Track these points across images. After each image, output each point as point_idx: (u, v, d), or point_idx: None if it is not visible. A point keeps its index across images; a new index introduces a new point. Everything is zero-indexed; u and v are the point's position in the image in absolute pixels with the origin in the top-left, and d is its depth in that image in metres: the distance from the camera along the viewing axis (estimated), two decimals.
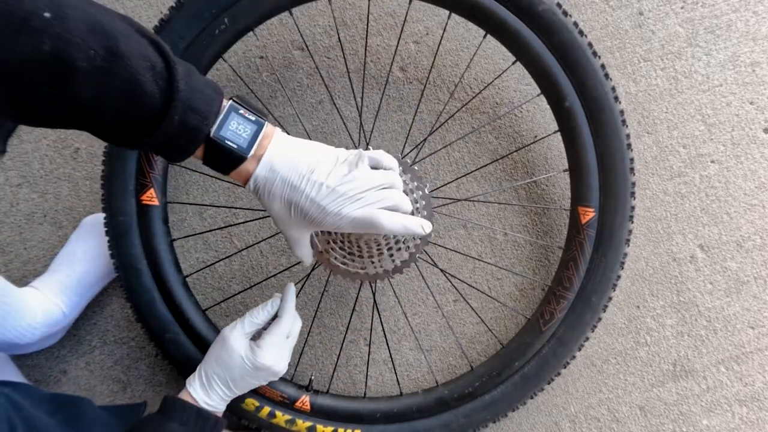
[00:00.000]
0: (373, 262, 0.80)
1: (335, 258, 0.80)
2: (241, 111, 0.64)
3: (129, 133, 0.59)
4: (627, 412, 1.08)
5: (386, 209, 0.67)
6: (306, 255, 0.75)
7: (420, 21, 1.09)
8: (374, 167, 0.70)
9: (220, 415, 0.84)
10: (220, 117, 0.62)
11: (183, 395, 0.82)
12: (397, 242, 0.79)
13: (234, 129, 0.63)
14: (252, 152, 0.64)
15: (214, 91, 0.62)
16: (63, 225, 1.08)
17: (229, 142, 0.62)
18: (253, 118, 0.64)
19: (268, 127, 0.65)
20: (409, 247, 0.81)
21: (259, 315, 0.85)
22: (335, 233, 0.79)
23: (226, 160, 0.64)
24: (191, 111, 0.59)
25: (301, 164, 0.65)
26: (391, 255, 0.80)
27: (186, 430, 0.78)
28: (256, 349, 0.82)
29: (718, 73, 1.09)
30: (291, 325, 0.86)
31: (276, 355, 0.83)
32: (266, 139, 0.65)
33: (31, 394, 0.82)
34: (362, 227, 0.67)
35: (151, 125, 0.58)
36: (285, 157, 0.65)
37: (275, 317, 0.86)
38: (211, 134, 0.62)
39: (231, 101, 0.64)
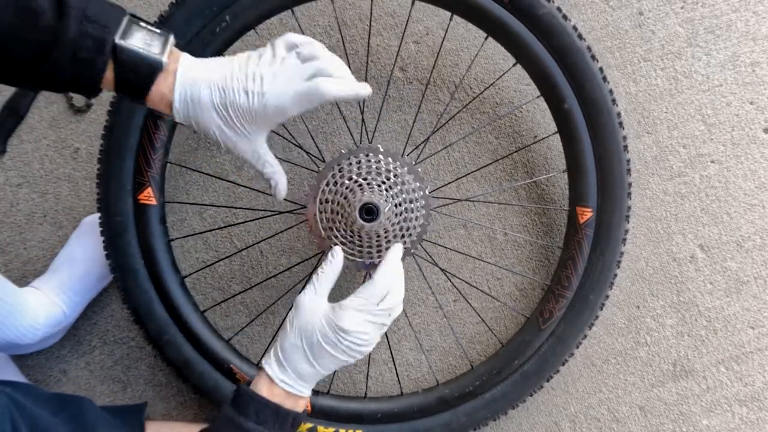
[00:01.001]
0: (370, 253, 0.82)
1: (335, 242, 0.83)
2: (143, 24, 0.61)
3: (24, 63, 0.55)
4: (627, 412, 1.08)
5: (324, 78, 0.64)
6: (274, 169, 0.70)
7: (420, 21, 1.09)
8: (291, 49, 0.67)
9: (304, 403, 0.74)
10: (122, 26, 0.58)
11: (260, 382, 0.72)
12: (395, 236, 0.82)
13: (141, 39, 0.59)
14: (166, 59, 0.60)
15: (111, 5, 0.59)
16: (63, 225, 1.08)
17: (141, 50, 0.58)
18: (158, 31, 0.61)
19: (172, 38, 0.62)
20: (405, 242, 0.83)
21: (325, 270, 0.75)
22: (337, 222, 0.81)
23: (142, 75, 0.59)
24: (88, 20, 0.56)
25: (221, 67, 0.62)
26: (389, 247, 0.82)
27: (264, 430, 0.68)
28: (337, 308, 0.71)
29: (718, 73, 1.09)
30: (386, 289, 0.74)
31: (359, 320, 0.71)
32: (174, 53, 0.62)
33: (32, 393, 0.82)
34: (308, 101, 0.64)
35: (48, 47, 0.54)
36: (202, 65, 0.62)
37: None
38: (117, 41, 0.57)
39: (129, 15, 0.60)
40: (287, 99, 0.63)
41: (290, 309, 0.75)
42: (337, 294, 1.08)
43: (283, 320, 0.75)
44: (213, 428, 0.68)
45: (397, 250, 0.79)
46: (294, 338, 0.71)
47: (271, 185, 0.73)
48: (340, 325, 0.70)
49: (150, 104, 0.62)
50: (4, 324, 0.89)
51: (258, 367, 0.97)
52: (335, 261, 0.76)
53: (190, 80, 0.62)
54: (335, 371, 1.06)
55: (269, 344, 1.06)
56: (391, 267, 0.76)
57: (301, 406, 0.73)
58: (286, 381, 0.71)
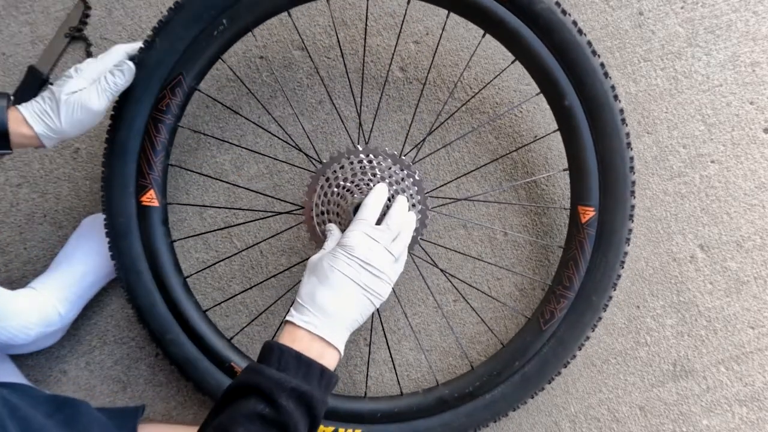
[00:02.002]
0: None
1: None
2: None
3: None
4: (627, 412, 1.08)
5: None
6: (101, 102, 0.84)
7: (420, 21, 1.09)
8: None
9: (333, 354, 0.69)
10: None
11: (283, 332, 0.70)
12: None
13: None
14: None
15: None
16: (63, 225, 1.08)
17: None
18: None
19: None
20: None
21: (330, 236, 0.79)
22: (332, 210, 0.85)
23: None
24: None
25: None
26: None
27: (285, 377, 0.64)
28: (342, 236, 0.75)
29: (718, 73, 1.09)
30: (376, 208, 0.79)
31: (361, 236, 0.73)
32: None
33: (29, 395, 0.82)
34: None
35: None
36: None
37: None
38: None
39: None
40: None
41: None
42: None
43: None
44: (236, 380, 0.66)
45: (382, 188, 0.81)
46: (308, 279, 0.72)
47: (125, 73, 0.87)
48: (344, 242, 0.73)
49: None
50: None
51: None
52: (335, 233, 0.79)
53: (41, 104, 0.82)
54: None
55: None
56: (377, 191, 0.80)
57: (328, 358, 0.69)
58: (307, 320, 0.69)
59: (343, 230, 0.79)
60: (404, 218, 0.79)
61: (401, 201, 0.81)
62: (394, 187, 0.84)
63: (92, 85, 0.84)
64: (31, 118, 0.81)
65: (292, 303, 0.72)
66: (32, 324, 0.93)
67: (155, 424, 1.02)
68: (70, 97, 0.81)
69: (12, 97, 0.81)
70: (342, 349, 0.71)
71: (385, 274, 0.73)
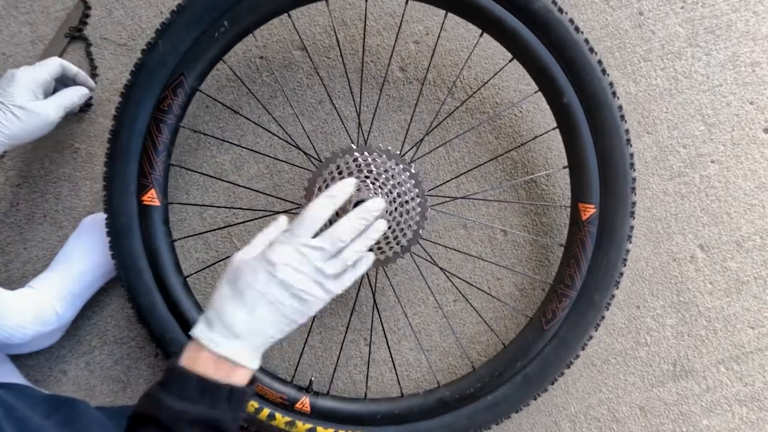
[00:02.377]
0: (381, 249, 0.86)
1: None
2: None
3: None
4: (627, 412, 1.08)
5: None
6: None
7: (420, 21, 1.09)
8: None
9: (244, 373, 0.63)
10: None
11: (187, 351, 0.63)
12: (398, 224, 0.85)
13: None
14: None
15: None
16: (63, 225, 1.08)
17: None
18: None
19: None
20: (409, 232, 0.87)
21: (265, 231, 0.70)
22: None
23: None
24: None
25: None
26: (388, 243, 0.86)
27: (187, 407, 0.58)
28: (271, 246, 0.66)
29: (718, 73, 1.09)
30: (315, 221, 0.67)
31: (289, 251, 0.64)
32: None
33: (27, 395, 0.82)
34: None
35: None
36: None
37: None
38: None
39: None
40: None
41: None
42: (338, 297, 1.08)
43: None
44: (136, 407, 0.61)
45: (347, 184, 0.70)
46: (223, 288, 0.64)
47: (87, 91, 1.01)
48: (269, 257, 0.63)
49: None
50: None
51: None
52: (280, 221, 0.71)
53: None
54: (334, 372, 1.05)
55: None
56: (324, 199, 0.68)
57: (238, 376, 0.62)
58: (213, 339, 0.62)
59: None
60: (354, 226, 0.68)
61: (367, 205, 0.69)
62: (391, 182, 0.84)
63: (52, 99, 0.94)
64: None
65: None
66: (28, 323, 0.93)
67: None
68: (25, 107, 0.89)
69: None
70: (255, 365, 0.64)
71: (314, 296, 0.65)
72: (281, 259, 0.63)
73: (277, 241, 0.65)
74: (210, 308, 0.64)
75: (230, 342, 0.62)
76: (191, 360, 0.61)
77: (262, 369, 0.99)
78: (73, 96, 0.98)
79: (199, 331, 0.63)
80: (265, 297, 0.63)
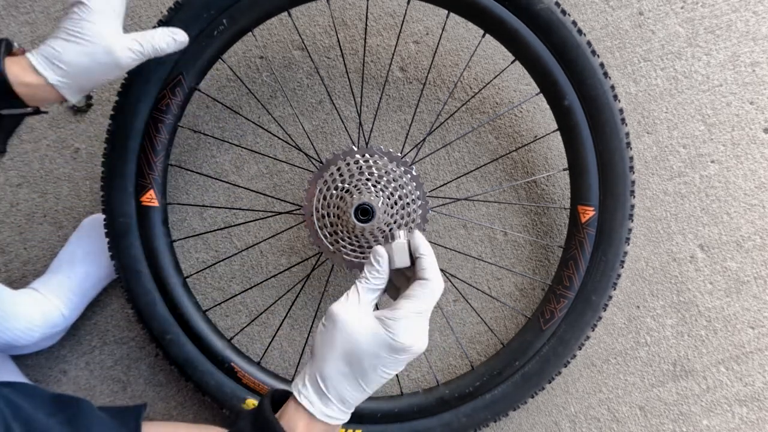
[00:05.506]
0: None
1: (346, 254, 0.85)
2: None
3: None
4: (627, 412, 1.08)
5: None
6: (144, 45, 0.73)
7: (420, 21, 1.09)
8: None
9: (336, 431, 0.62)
10: None
11: (295, 417, 0.59)
12: (399, 227, 0.85)
13: None
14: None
15: None
16: (63, 225, 1.08)
17: None
18: None
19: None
20: (411, 227, 0.86)
21: (369, 276, 0.63)
22: (340, 233, 0.83)
23: None
24: None
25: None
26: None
27: None
28: (390, 323, 0.59)
29: (718, 73, 1.09)
30: (440, 285, 0.64)
31: (416, 328, 0.60)
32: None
33: (31, 394, 0.82)
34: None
35: None
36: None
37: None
38: None
39: None
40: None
41: (313, 328, 0.67)
42: (339, 297, 1.08)
43: (308, 336, 0.67)
44: None
45: (420, 238, 0.66)
46: (339, 364, 0.59)
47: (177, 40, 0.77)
48: (402, 342, 0.59)
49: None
50: None
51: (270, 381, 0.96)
52: (382, 264, 0.64)
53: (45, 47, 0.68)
54: None
55: (268, 345, 1.06)
56: (433, 259, 0.65)
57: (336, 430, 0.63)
58: (330, 414, 0.60)
59: (352, 243, 0.78)
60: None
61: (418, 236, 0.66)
62: (393, 185, 0.84)
63: (126, 36, 0.72)
64: (39, 65, 0.68)
65: (302, 371, 0.62)
66: (36, 326, 0.94)
67: (157, 423, 1.02)
68: (91, 41, 0.69)
69: (16, 44, 0.71)
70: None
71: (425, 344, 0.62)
72: (412, 341, 0.60)
73: (404, 315, 0.60)
74: (321, 379, 0.60)
75: (343, 413, 0.61)
76: (303, 429, 0.59)
77: (262, 368, 0.99)
78: (160, 39, 0.75)
79: (313, 407, 0.59)
80: (385, 374, 0.61)
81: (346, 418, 0.61)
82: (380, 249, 0.65)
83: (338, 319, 0.60)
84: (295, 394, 0.60)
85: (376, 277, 0.63)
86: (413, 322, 0.60)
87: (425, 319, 0.61)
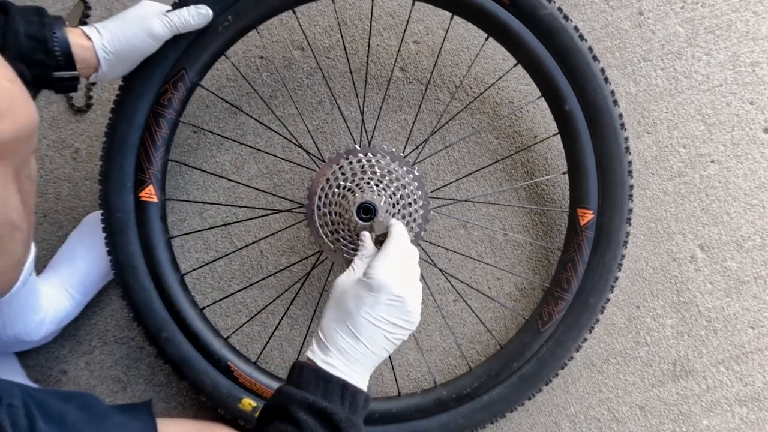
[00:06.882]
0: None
1: (347, 253, 0.85)
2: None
3: None
4: (627, 412, 1.08)
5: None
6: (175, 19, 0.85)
7: (420, 21, 1.09)
8: None
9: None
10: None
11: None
12: None
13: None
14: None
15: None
16: (63, 225, 1.08)
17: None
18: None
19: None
20: (413, 227, 0.87)
21: (359, 254, 0.74)
22: (339, 230, 0.83)
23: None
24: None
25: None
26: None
27: (303, 394, 0.62)
28: (368, 269, 0.68)
29: (718, 73, 1.09)
30: (396, 234, 0.74)
31: (389, 268, 0.68)
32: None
33: (39, 390, 0.81)
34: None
35: None
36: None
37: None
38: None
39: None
40: None
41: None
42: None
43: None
44: (264, 404, 0.65)
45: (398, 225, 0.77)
46: (331, 313, 0.67)
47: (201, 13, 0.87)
48: (375, 279, 0.66)
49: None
50: (17, 317, 0.89)
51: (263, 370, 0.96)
52: (366, 243, 0.75)
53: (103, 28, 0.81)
54: None
55: (266, 343, 1.06)
56: (396, 221, 0.78)
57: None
58: (330, 362, 0.65)
59: (354, 243, 0.80)
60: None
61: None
62: (395, 184, 0.84)
63: (158, 15, 0.84)
64: (89, 30, 0.80)
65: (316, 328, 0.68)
66: (47, 321, 0.94)
67: (167, 419, 1.01)
68: (133, 18, 0.83)
69: (67, 22, 0.81)
70: (365, 386, 0.67)
71: (416, 304, 0.68)
72: (384, 278, 0.67)
73: (379, 258, 0.70)
74: (321, 333, 0.67)
75: (347, 366, 0.66)
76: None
77: (259, 368, 0.99)
78: (187, 12, 0.86)
79: (315, 355, 0.66)
80: (373, 320, 0.66)
81: (353, 376, 0.65)
82: (364, 233, 0.78)
83: (337, 285, 0.70)
84: (308, 351, 0.67)
85: (362, 254, 0.74)
86: (384, 262, 0.69)
87: (402, 264, 0.69)
